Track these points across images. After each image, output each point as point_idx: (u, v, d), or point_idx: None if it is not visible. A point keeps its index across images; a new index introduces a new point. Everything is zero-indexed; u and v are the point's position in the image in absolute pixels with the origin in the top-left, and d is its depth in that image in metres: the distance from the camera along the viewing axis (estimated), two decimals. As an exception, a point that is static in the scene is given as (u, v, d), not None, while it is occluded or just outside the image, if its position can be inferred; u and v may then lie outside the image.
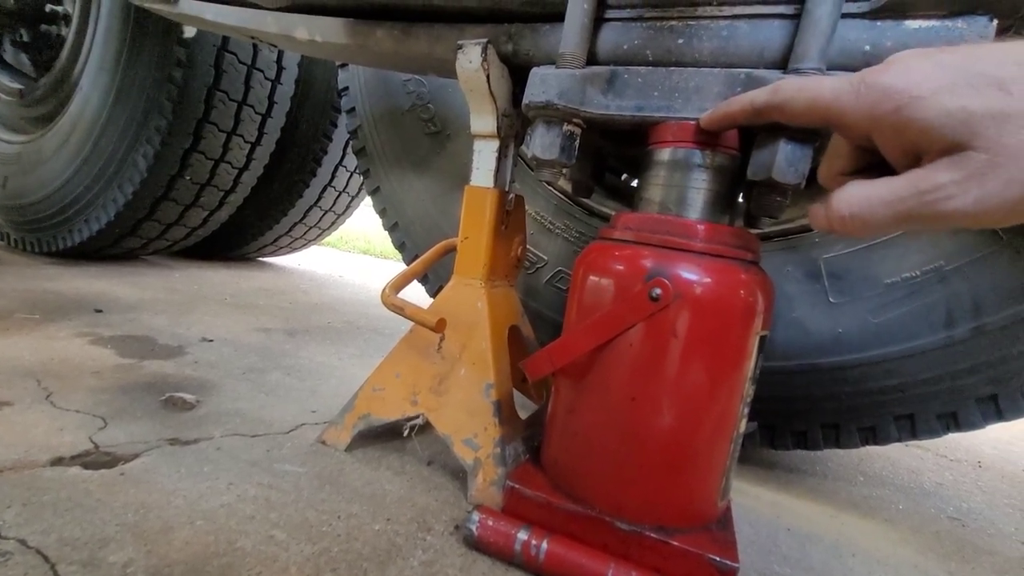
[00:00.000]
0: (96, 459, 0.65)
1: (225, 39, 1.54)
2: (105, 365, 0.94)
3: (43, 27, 1.78)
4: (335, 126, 2.05)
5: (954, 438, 1.32)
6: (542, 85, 0.60)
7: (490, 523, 0.57)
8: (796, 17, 0.53)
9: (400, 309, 0.71)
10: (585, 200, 0.97)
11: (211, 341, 1.19)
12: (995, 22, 0.48)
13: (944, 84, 0.32)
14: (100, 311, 1.28)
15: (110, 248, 1.83)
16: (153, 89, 1.52)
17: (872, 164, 0.40)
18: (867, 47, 0.51)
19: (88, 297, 1.40)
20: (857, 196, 0.36)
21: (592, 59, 0.62)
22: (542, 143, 0.61)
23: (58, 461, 0.63)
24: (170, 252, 2.18)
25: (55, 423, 0.71)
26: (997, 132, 0.30)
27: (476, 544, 0.57)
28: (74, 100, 1.66)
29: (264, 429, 0.79)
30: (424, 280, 1.17)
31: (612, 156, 0.87)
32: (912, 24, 0.50)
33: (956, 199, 0.32)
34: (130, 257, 2.05)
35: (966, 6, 0.49)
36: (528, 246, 1.01)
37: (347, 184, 2.28)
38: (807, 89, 0.40)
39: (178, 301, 1.52)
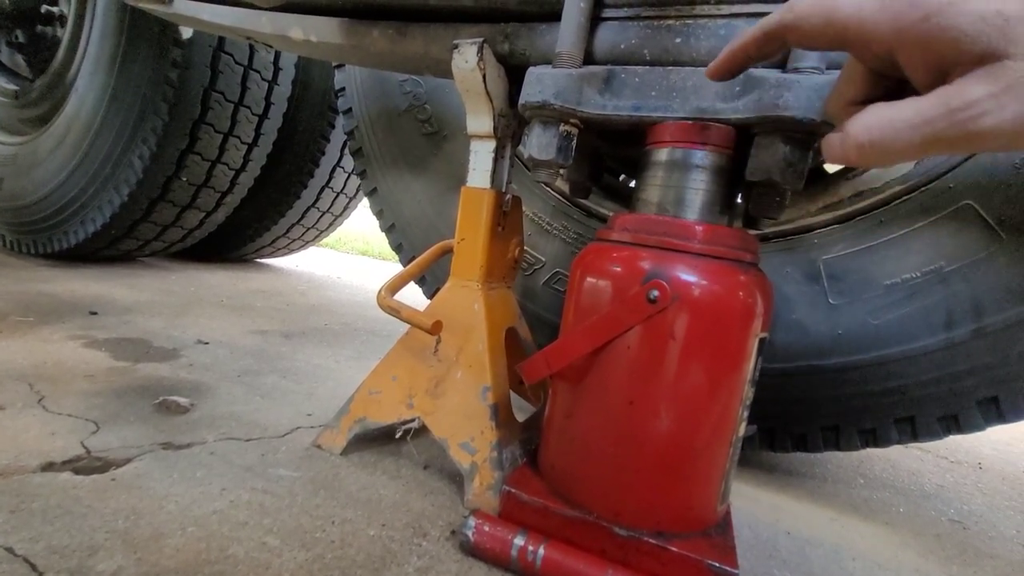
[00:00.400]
0: (87, 464, 0.64)
1: (221, 40, 1.54)
2: (99, 368, 0.94)
3: (39, 28, 1.77)
4: (333, 127, 2.05)
5: (954, 440, 1.31)
6: (538, 85, 0.59)
7: (486, 529, 0.56)
8: (795, 16, 0.52)
9: (396, 311, 0.70)
10: (583, 201, 0.96)
11: (207, 343, 1.18)
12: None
13: None
14: (95, 313, 1.27)
15: (106, 250, 1.82)
16: (149, 90, 1.52)
17: (890, 90, 0.36)
18: (867, 46, 0.50)
19: (83, 299, 1.39)
20: (878, 120, 0.32)
21: (589, 59, 0.61)
22: (539, 143, 0.61)
23: (49, 466, 0.62)
24: (167, 254, 2.18)
25: (47, 428, 0.71)
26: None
27: (472, 550, 0.56)
28: (70, 101, 1.65)
29: (259, 433, 0.78)
30: (421, 282, 1.16)
31: (610, 156, 0.87)
32: (912, 22, 0.49)
33: (992, 115, 0.28)
34: (126, 259, 2.04)
35: None
36: (526, 247, 1.00)
37: (345, 185, 2.27)
38: (823, 3, 0.36)
39: (174, 303, 1.51)
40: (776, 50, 0.42)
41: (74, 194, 1.66)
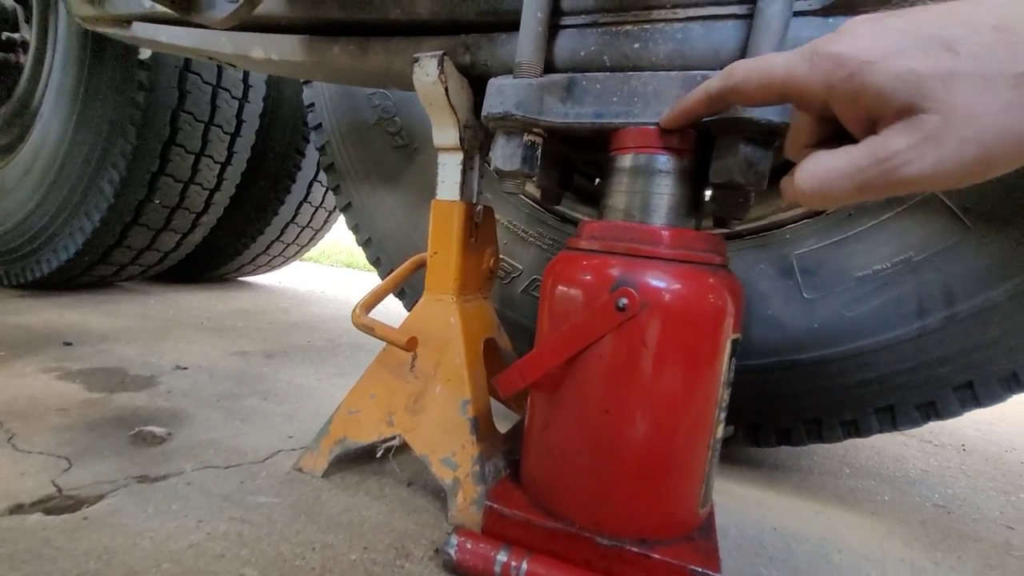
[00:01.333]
0: (58, 503, 0.62)
1: (188, 60, 1.52)
2: (72, 401, 0.91)
3: (0, 55, 1.74)
4: (307, 142, 2.03)
5: (938, 423, 1.33)
6: (499, 96, 0.59)
7: (469, 546, 0.55)
8: (749, 17, 0.53)
9: (370, 329, 0.69)
10: (557, 207, 0.96)
11: (185, 369, 1.16)
12: (943, 15, 0.48)
13: (892, 47, 0.32)
14: (69, 344, 1.24)
15: (81, 277, 1.79)
16: (116, 113, 1.49)
17: (835, 134, 0.39)
18: (820, 45, 0.51)
19: (58, 329, 1.36)
20: (819, 169, 0.36)
21: (550, 67, 0.61)
22: (503, 154, 0.60)
23: (17, 508, 0.60)
24: (145, 277, 2.14)
25: (16, 467, 0.69)
26: (946, 93, 0.30)
27: (455, 568, 0.55)
28: (35, 128, 1.62)
29: (238, 459, 0.77)
30: (401, 295, 1.16)
31: (581, 161, 0.87)
32: (862, 20, 0.50)
33: (914, 164, 0.31)
34: (103, 285, 2.00)
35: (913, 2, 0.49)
36: (502, 256, 1.00)
37: (323, 199, 2.25)
38: (758, 68, 0.40)
39: (152, 328, 1.48)
40: (724, 108, 0.47)
41: (44, 222, 1.63)
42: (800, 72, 0.36)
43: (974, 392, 0.76)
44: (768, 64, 0.39)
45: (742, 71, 0.41)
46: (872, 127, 0.34)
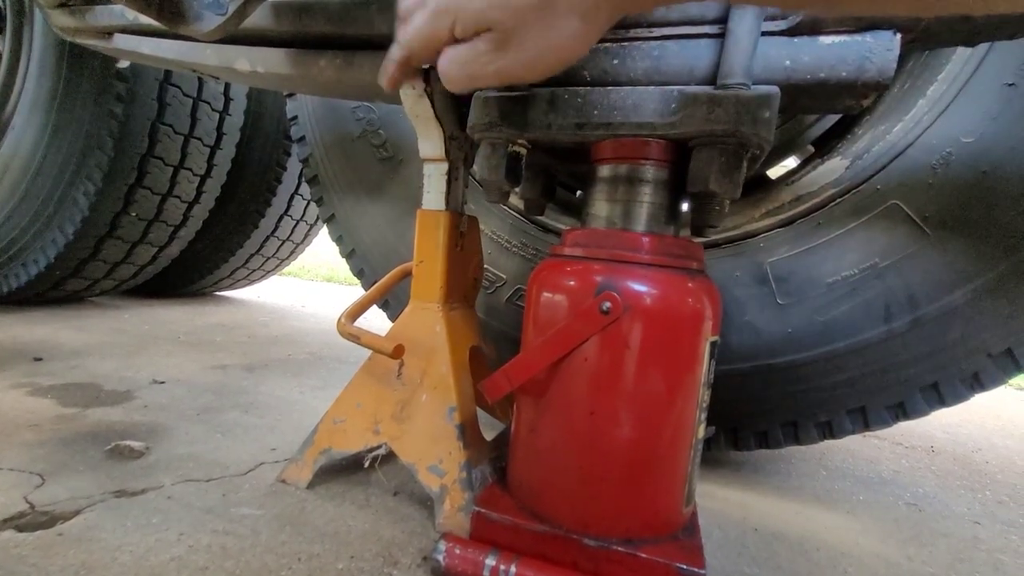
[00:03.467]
0: (32, 520, 0.60)
1: (168, 72, 1.51)
2: (44, 417, 0.89)
3: (-30, 65, 1.70)
4: (289, 155, 2.03)
5: (908, 425, 1.37)
6: (485, 108, 0.61)
7: (457, 551, 0.55)
8: (721, 36, 0.55)
9: (356, 338, 0.69)
10: (540, 217, 0.98)
11: (163, 383, 1.13)
12: (899, 36, 0.52)
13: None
14: (40, 359, 1.21)
15: (52, 291, 1.74)
16: (92, 125, 1.47)
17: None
18: (787, 62, 0.54)
19: (28, 345, 1.32)
20: (444, 60, 0.49)
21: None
22: (488, 165, 0.62)
23: (-12, 526, 0.58)
24: (119, 292, 2.09)
25: (-14, 485, 0.66)
26: (503, 20, 0.43)
27: (444, 574, 0.55)
28: (6, 140, 1.58)
29: (220, 472, 0.76)
30: (385, 306, 1.16)
31: (563, 173, 0.89)
32: (825, 40, 0.53)
33: (493, 63, 0.46)
34: (75, 299, 1.95)
35: (871, 23, 0.53)
36: (486, 265, 1.01)
37: (304, 212, 2.24)
38: (421, 36, 0.49)
39: (127, 343, 1.45)
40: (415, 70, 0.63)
41: (14, 235, 1.59)
42: (426, 24, 0.48)
43: (939, 392, 0.79)
44: (417, 32, 0.49)
45: (411, 42, 0.51)
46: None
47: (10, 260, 1.61)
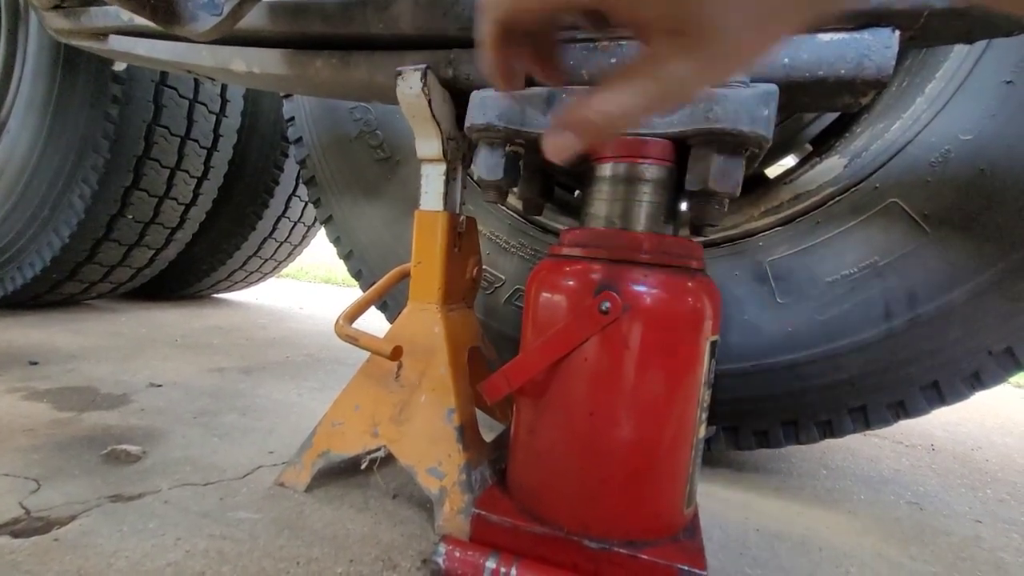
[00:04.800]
0: (27, 526, 0.60)
1: (164, 74, 1.50)
2: (39, 421, 0.88)
3: (-35, 68, 1.69)
4: (286, 156, 2.02)
5: (908, 424, 1.38)
6: (482, 108, 0.61)
7: (457, 554, 0.55)
8: (719, 34, 0.55)
9: (354, 340, 0.69)
10: (538, 218, 0.98)
11: (159, 386, 1.13)
12: (897, 33, 0.52)
13: None
14: (35, 363, 1.20)
15: (48, 295, 1.73)
16: (88, 127, 1.47)
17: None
18: (786, 60, 0.54)
19: (23, 349, 1.31)
20: (600, 102, 0.32)
21: (531, 80, 0.63)
22: (486, 165, 0.62)
23: (-17, 532, 0.58)
24: (115, 295, 2.08)
25: (-20, 490, 0.66)
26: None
27: (444, 578, 0.55)
28: (1, 143, 1.57)
29: (217, 476, 0.75)
30: (383, 307, 1.15)
31: (561, 173, 0.89)
32: (824, 37, 0.53)
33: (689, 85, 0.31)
34: (72, 303, 1.94)
35: (870, 20, 0.52)
36: (485, 266, 1.01)
37: (302, 214, 2.24)
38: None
39: (123, 346, 1.44)
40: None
41: (10, 239, 1.58)
42: None
43: (939, 391, 0.79)
44: None
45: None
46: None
47: (6, 263, 1.60)
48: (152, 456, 0.79)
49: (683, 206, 0.63)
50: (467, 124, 0.62)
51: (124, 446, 0.79)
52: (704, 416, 0.57)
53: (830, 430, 0.85)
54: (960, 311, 0.75)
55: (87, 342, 1.45)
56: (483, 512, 0.58)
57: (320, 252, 4.04)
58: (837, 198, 0.79)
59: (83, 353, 1.33)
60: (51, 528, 0.60)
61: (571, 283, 0.55)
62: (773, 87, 0.51)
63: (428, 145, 0.71)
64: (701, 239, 0.86)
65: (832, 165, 0.81)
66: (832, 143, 0.85)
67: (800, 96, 0.56)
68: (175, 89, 1.54)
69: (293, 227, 2.24)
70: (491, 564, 0.54)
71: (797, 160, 0.98)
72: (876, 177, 0.77)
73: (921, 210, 0.75)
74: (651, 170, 0.56)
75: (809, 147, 1.02)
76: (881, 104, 0.81)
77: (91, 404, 0.98)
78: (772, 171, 1.03)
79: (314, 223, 2.33)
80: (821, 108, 0.76)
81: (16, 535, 0.58)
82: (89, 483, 0.70)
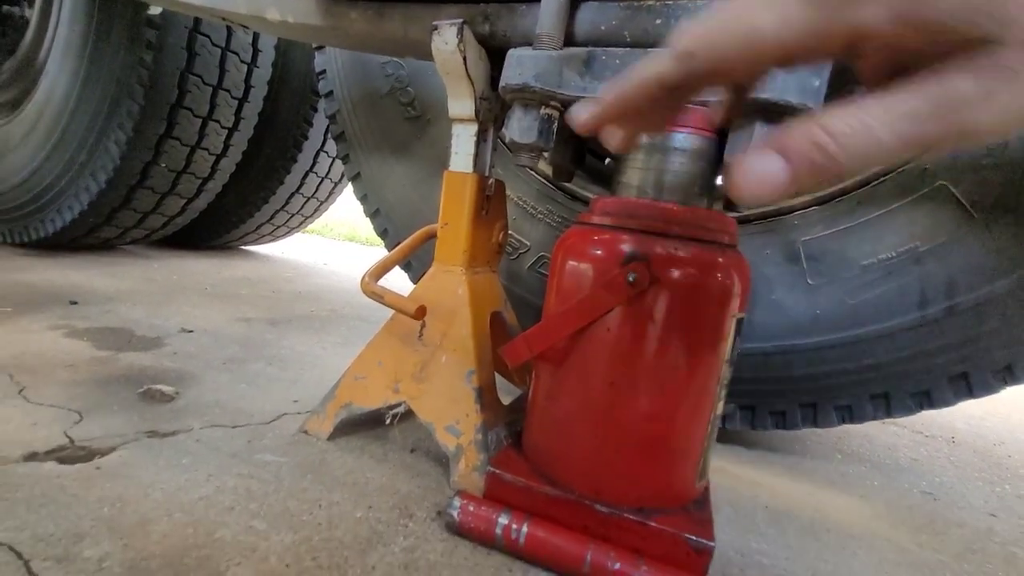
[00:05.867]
0: (71, 454, 0.64)
1: (197, 20, 1.49)
2: (80, 358, 0.93)
3: (5, 7, 1.71)
4: (315, 110, 2.01)
5: (929, 415, 1.35)
6: (519, 67, 0.59)
7: (471, 508, 0.57)
8: (773, -3, 0.52)
9: (379, 297, 0.70)
10: (568, 185, 0.96)
11: (191, 332, 1.17)
12: None
13: None
14: (75, 303, 1.25)
15: (85, 238, 1.78)
16: (123, 73, 1.48)
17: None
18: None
19: (63, 289, 1.37)
20: (844, 124, 0.24)
21: (570, 40, 0.61)
22: (520, 126, 0.61)
23: (32, 456, 0.62)
24: (149, 242, 2.14)
25: (28, 418, 0.70)
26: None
27: (458, 529, 0.57)
28: (40, 85, 1.60)
29: (245, 420, 0.78)
30: (407, 267, 1.16)
31: (593, 140, 0.87)
32: None
33: (981, 109, 0.23)
34: (107, 247, 2.01)
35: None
36: (511, 231, 1.00)
37: (329, 170, 2.24)
38: (731, 29, 0.26)
39: (156, 291, 1.49)
40: (683, 98, 0.32)
41: (50, 181, 1.62)
42: (799, 16, 0.24)
43: (968, 383, 0.77)
44: (743, 17, 0.25)
45: (705, 40, 0.26)
46: (901, 72, 0.25)
47: (47, 205, 1.66)
48: (185, 397, 0.83)
49: (719, 180, 0.61)
50: (502, 84, 0.61)
51: (159, 386, 0.83)
52: (724, 393, 0.57)
53: (849, 415, 0.84)
54: (1000, 302, 0.72)
55: (123, 285, 1.50)
56: (498, 471, 0.60)
57: (345, 210, 4.07)
58: (882, 178, 0.76)
59: (119, 296, 1.38)
60: (93, 457, 0.64)
61: (599, 252, 0.55)
62: (827, 56, 0.49)
63: (461, 104, 0.70)
64: (735, 214, 0.84)
65: (880, 143, 0.77)
66: (882, 120, 0.80)
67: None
68: (208, 37, 1.53)
69: (320, 183, 2.25)
70: (503, 520, 0.55)
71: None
72: (927, 158, 0.73)
73: (971, 195, 0.71)
74: (689, 140, 0.55)
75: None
76: (940, 80, 0.76)
77: (127, 345, 1.03)
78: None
79: (341, 180, 2.33)
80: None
81: (62, 461, 0.62)
82: (127, 418, 0.74)
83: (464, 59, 0.65)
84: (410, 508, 0.62)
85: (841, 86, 0.87)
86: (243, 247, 2.64)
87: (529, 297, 1.01)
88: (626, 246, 0.53)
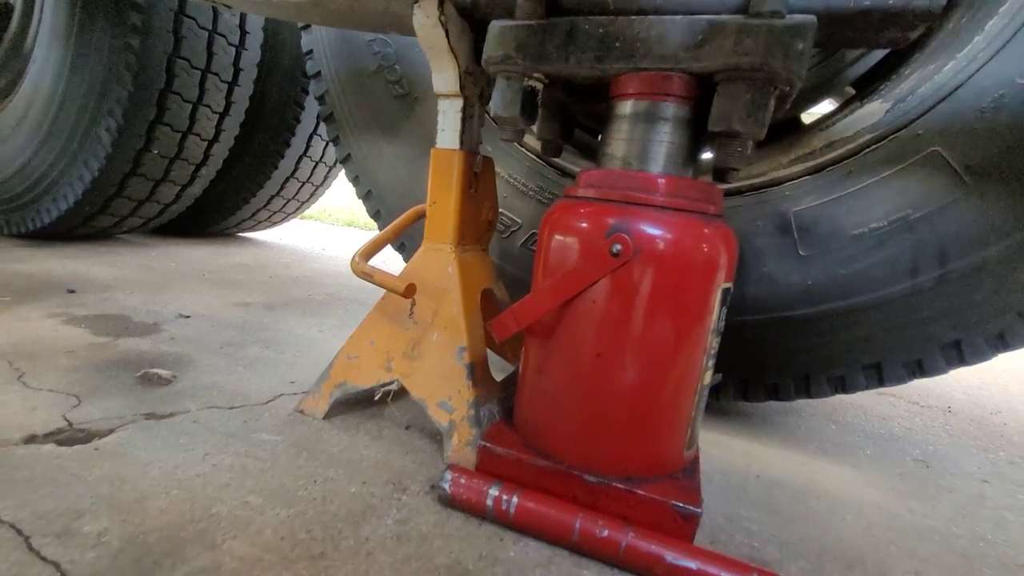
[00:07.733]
0: (70, 436, 0.65)
1: (182, 2, 1.47)
2: (78, 344, 0.94)
3: (-11, -5, 1.68)
4: (307, 93, 1.99)
5: (926, 385, 1.36)
6: (500, 39, 0.58)
7: (463, 481, 0.58)
8: (758, -41, 0.51)
9: (369, 276, 0.70)
10: (558, 160, 0.95)
11: (188, 317, 1.18)
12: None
13: None
14: (73, 291, 1.26)
15: (82, 227, 1.79)
16: (111, 58, 1.46)
17: None
18: (829, -12, 0.50)
19: (61, 278, 1.37)
20: None
21: (553, 9, 0.60)
22: (503, 100, 0.60)
23: (31, 439, 0.63)
24: (145, 230, 2.14)
25: (27, 402, 0.71)
26: None
27: (450, 502, 0.58)
28: (28, 73, 1.58)
29: (241, 401, 0.79)
30: (401, 248, 1.16)
31: (582, 114, 0.85)
32: (874, -38, 0.48)
33: None
34: (105, 237, 2.01)
35: (928, -59, 0.47)
36: (502, 209, 1.00)
37: (323, 154, 2.22)
38: None
39: (154, 279, 1.50)
40: None
41: (43, 171, 1.62)
42: None
43: (960, 351, 0.77)
44: None
45: None
46: None
47: (41, 195, 1.65)
48: (182, 380, 0.84)
49: (707, 154, 0.61)
50: (484, 56, 0.60)
51: (156, 370, 0.84)
52: (711, 363, 0.57)
53: (842, 386, 0.84)
54: (993, 269, 0.71)
55: (120, 274, 1.51)
56: (489, 444, 0.60)
57: (343, 195, 4.05)
58: (874, 146, 0.75)
59: (117, 284, 1.39)
60: (92, 439, 0.65)
61: (583, 224, 0.54)
62: (811, 18, 0.48)
63: (444, 79, 0.69)
64: (724, 186, 0.83)
65: (873, 110, 0.76)
66: (876, 86, 0.79)
67: (842, 30, 0.52)
68: (194, 19, 1.51)
69: (315, 167, 2.24)
70: (494, 492, 0.56)
71: (836, 105, 0.92)
72: (919, 124, 0.72)
73: (964, 160, 0.70)
74: (673, 108, 0.54)
75: (851, 90, 0.96)
76: (936, 42, 0.74)
77: (125, 331, 1.04)
78: (808, 117, 0.97)
79: (335, 164, 2.32)
80: (865, 44, 0.70)
81: (61, 443, 0.63)
82: (125, 401, 0.75)
83: (446, 32, 0.64)
84: (404, 483, 0.63)
85: (829, 54, 0.85)
86: (241, 234, 2.64)
87: (522, 275, 1.01)
88: (610, 218, 0.53)
